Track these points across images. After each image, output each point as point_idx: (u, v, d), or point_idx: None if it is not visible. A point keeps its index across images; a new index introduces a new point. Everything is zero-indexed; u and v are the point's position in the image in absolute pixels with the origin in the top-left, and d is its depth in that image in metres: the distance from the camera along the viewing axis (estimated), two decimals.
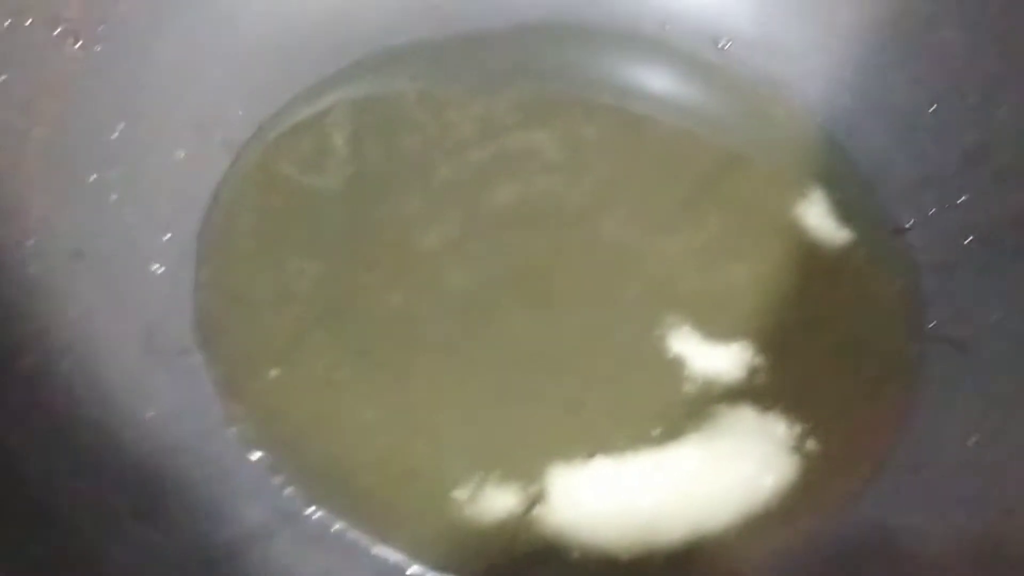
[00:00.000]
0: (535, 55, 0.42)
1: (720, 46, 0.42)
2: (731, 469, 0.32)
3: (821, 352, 0.35)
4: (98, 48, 0.35)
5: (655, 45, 0.43)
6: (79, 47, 0.34)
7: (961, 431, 0.33)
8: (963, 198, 0.38)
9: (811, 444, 0.33)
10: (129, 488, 0.27)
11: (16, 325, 0.28)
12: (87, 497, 0.26)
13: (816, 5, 0.42)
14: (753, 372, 0.34)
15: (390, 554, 0.30)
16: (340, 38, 0.41)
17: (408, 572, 0.30)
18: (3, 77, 0.32)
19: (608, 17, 0.43)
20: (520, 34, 0.42)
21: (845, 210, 0.39)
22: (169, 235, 0.35)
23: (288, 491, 0.30)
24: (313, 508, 0.30)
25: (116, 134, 0.35)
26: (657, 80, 0.42)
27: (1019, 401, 0.33)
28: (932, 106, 0.39)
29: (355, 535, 0.30)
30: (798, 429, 0.33)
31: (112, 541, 0.25)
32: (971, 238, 0.37)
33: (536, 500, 0.31)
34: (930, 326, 0.36)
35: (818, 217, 0.38)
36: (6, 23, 0.32)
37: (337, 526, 0.30)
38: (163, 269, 0.34)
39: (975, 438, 0.32)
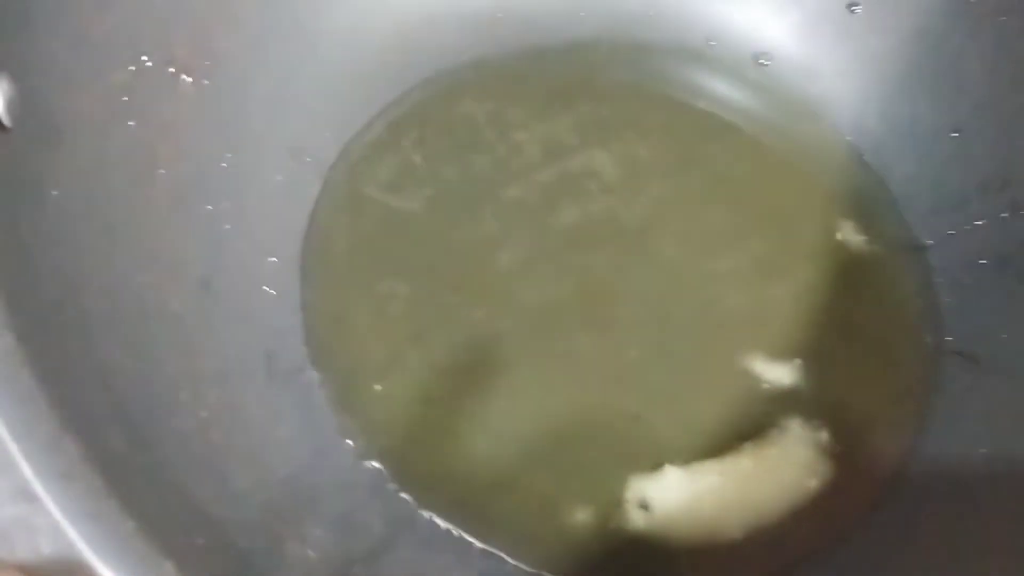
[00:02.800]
0: (590, 73, 0.45)
1: (760, 63, 0.46)
2: (781, 474, 0.37)
3: (853, 363, 0.40)
4: (206, 82, 0.37)
5: (701, 61, 0.46)
6: (190, 83, 0.37)
7: (972, 440, 0.38)
8: (980, 222, 0.42)
9: (844, 449, 0.38)
10: (280, 509, 0.31)
11: (169, 363, 0.32)
12: (255, 523, 0.30)
13: (849, 31, 0.45)
14: (797, 384, 0.39)
15: (496, 552, 0.34)
16: (409, 57, 0.44)
17: (511, 565, 0.34)
18: (131, 123, 0.34)
19: (656, 33, 0.46)
20: (575, 51, 0.46)
21: (873, 227, 0.43)
22: (275, 259, 0.38)
23: (403, 496, 0.35)
24: (425, 512, 0.35)
25: (225, 164, 0.37)
26: (701, 96, 0.46)
27: (1021, 414, 0.38)
28: (954, 133, 0.43)
29: (463, 535, 0.35)
30: (833, 436, 0.38)
31: (277, 565, 0.29)
32: (985, 260, 0.41)
33: (617, 504, 0.36)
34: (947, 340, 0.41)
35: (849, 233, 0.43)
36: (131, 68, 0.35)
37: (446, 528, 0.35)
38: (274, 292, 0.37)
39: (984, 449, 0.37)
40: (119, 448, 0.26)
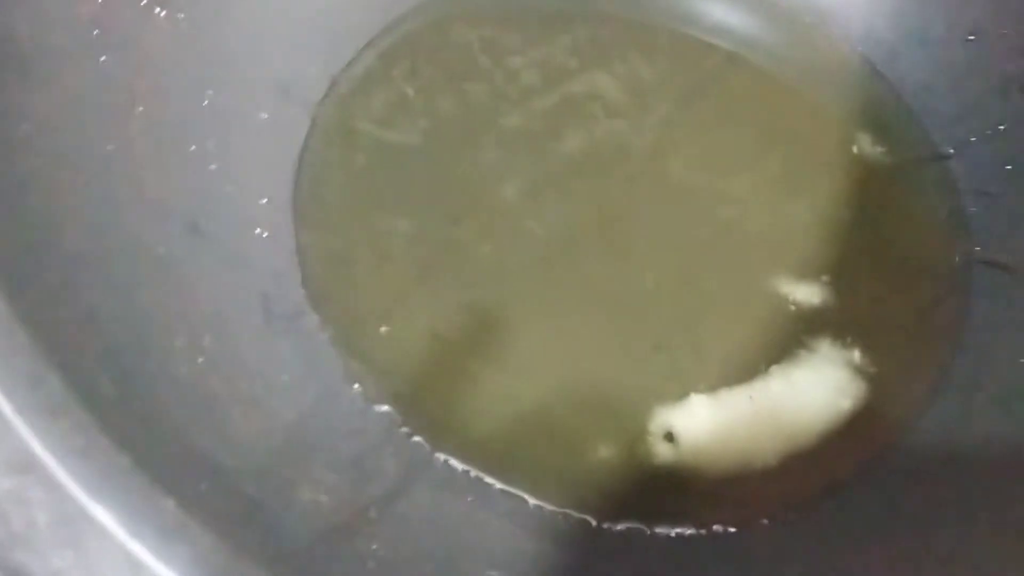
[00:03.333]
0: None
1: None
2: (813, 396, 0.35)
3: (880, 279, 0.38)
4: (180, 16, 0.35)
5: None
6: (164, 16, 0.34)
7: (1011, 350, 0.36)
8: (1001, 127, 0.40)
9: (877, 367, 0.36)
10: (287, 455, 0.29)
11: (160, 307, 0.30)
12: (263, 469, 0.28)
13: None
14: (825, 302, 0.37)
15: (516, 492, 0.32)
16: None
17: (532, 504, 0.32)
18: (103, 58, 0.32)
19: None
20: None
21: (890, 139, 0.41)
22: (265, 200, 0.36)
23: (416, 440, 0.33)
24: (440, 455, 0.33)
25: (206, 102, 0.35)
26: (705, 11, 0.44)
27: None
28: (969, 36, 0.41)
29: (481, 476, 0.33)
30: (866, 354, 0.36)
31: (289, 511, 0.27)
32: (1009, 166, 0.39)
33: (641, 437, 0.34)
34: (976, 250, 0.39)
35: (866, 146, 0.41)
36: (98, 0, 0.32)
37: (463, 469, 0.33)
38: (267, 234, 0.35)
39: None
40: (109, 392, 0.24)
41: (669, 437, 0.34)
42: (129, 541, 0.19)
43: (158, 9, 0.34)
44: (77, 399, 0.21)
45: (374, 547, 0.27)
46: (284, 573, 0.20)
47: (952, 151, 0.41)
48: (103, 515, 0.19)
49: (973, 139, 0.40)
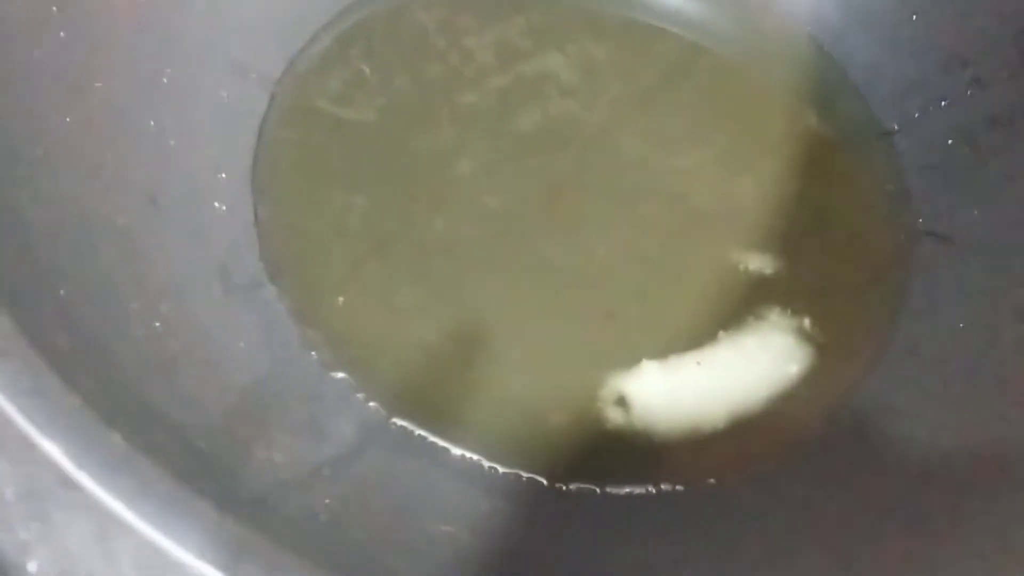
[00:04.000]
0: None
1: None
2: (759, 362, 0.36)
3: (827, 250, 0.39)
4: None
5: None
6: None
7: (951, 317, 0.37)
8: (944, 103, 0.41)
9: (824, 334, 0.37)
10: (243, 416, 0.30)
11: (118, 275, 0.30)
12: (217, 427, 0.28)
13: None
14: (773, 272, 0.38)
15: (469, 455, 0.33)
16: None
17: (487, 467, 0.33)
18: (62, 34, 0.33)
19: None
20: None
21: (837, 116, 0.42)
22: (223, 175, 0.37)
23: (372, 405, 0.34)
24: (395, 420, 0.34)
25: (165, 79, 0.36)
26: None
27: (997, 287, 0.37)
28: (913, 15, 0.42)
29: (436, 440, 0.33)
30: (813, 321, 0.37)
31: (243, 466, 0.28)
32: (951, 140, 0.41)
33: (592, 402, 0.35)
34: (919, 222, 0.40)
35: (813, 123, 0.42)
36: None
37: (420, 434, 0.34)
38: (225, 208, 0.36)
39: (962, 323, 0.37)
40: (64, 344, 0.24)
41: (620, 402, 0.35)
42: (75, 472, 0.19)
43: None
44: (29, 343, 0.21)
45: (327, 502, 0.28)
46: (229, 509, 0.21)
47: (897, 127, 0.42)
48: (51, 449, 0.20)
49: (917, 115, 0.42)
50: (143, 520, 0.20)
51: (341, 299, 0.35)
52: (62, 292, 0.27)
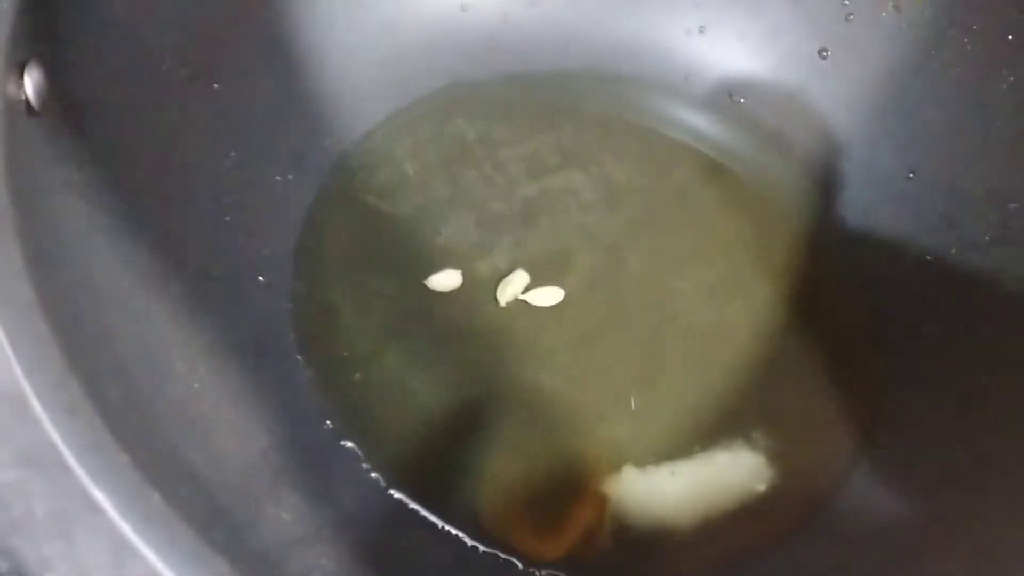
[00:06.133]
0: (574, 100, 0.49)
1: (734, 99, 0.49)
2: (730, 478, 0.40)
3: (803, 381, 0.43)
4: (216, 86, 0.41)
5: (678, 94, 0.49)
6: (202, 84, 0.40)
7: (916, 456, 0.41)
8: (928, 258, 0.45)
9: (794, 456, 0.41)
10: (259, 475, 0.34)
11: (168, 338, 0.35)
12: (235, 484, 0.33)
13: (818, 75, 0.48)
14: (751, 395, 0.42)
15: (455, 531, 0.37)
16: (408, 75, 0.47)
17: (470, 546, 0.37)
18: (150, 116, 0.37)
19: (637, 67, 0.50)
20: (561, 80, 0.49)
21: (831, 259, 0.46)
22: (269, 252, 0.41)
23: (373, 476, 0.38)
24: (392, 491, 0.38)
25: (229, 162, 0.41)
26: (677, 127, 0.49)
27: (961, 435, 0.41)
28: (910, 174, 0.46)
29: (426, 515, 0.37)
30: (783, 446, 0.41)
31: (253, 522, 0.32)
32: (930, 297, 0.44)
33: (576, 499, 0.38)
34: (894, 364, 0.44)
35: (807, 261, 0.46)
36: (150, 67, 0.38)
37: (412, 507, 0.37)
38: (266, 282, 0.40)
39: (923, 461, 0.40)
40: (116, 400, 0.28)
41: (598, 500, 0.39)
42: (119, 521, 0.24)
43: (198, 79, 0.40)
44: (91, 403, 0.26)
45: (322, 561, 0.32)
46: (239, 562, 0.25)
47: (882, 276, 0.46)
48: (101, 500, 0.24)
49: (901, 267, 0.45)
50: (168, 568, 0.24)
51: (359, 375, 0.40)
52: (119, 352, 0.31)
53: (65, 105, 0.32)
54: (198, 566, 0.24)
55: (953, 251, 0.44)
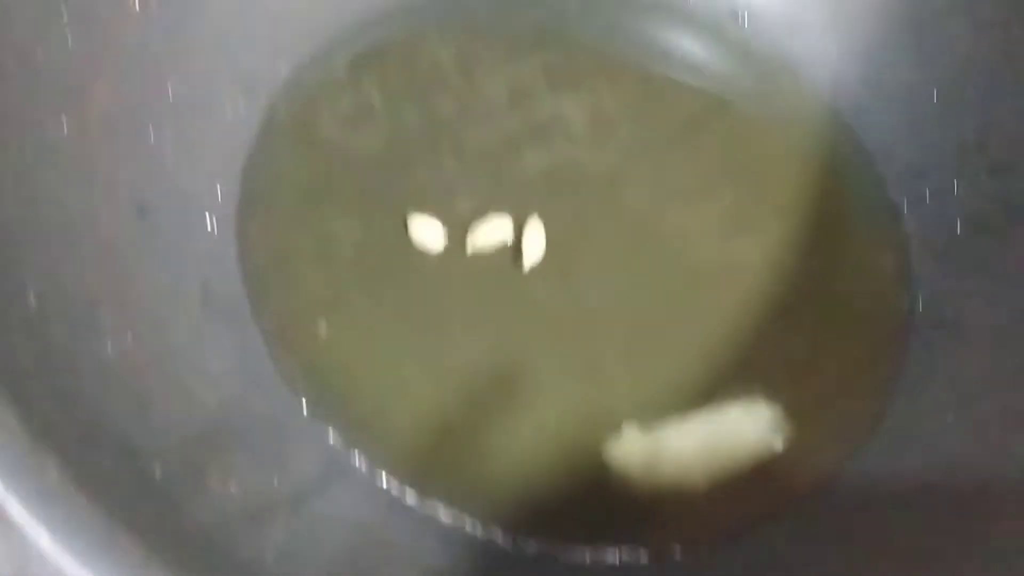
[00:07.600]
0: (563, 21, 0.44)
1: (739, 19, 0.44)
2: (743, 434, 0.35)
3: (821, 324, 0.39)
4: (153, 5, 0.35)
5: (678, 14, 0.44)
6: (138, 7, 0.35)
7: (941, 404, 0.36)
8: (957, 184, 0.40)
9: (810, 410, 0.36)
10: (203, 442, 0.29)
11: (96, 285, 0.30)
12: (173, 451, 0.28)
13: None
14: (763, 343, 0.37)
15: (432, 506, 0.33)
16: None
17: (445, 522, 0.32)
18: (67, 33, 0.32)
19: None
20: None
21: (847, 188, 0.42)
22: (216, 191, 0.36)
23: (337, 442, 0.33)
24: (360, 459, 0.33)
25: (169, 93, 0.36)
26: (677, 49, 0.44)
27: (993, 382, 0.36)
28: (935, 94, 0.41)
29: (398, 485, 0.33)
30: (801, 397, 0.36)
31: (192, 496, 0.27)
32: (961, 224, 0.40)
33: (570, 462, 0.34)
34: (919, 304, 0.39)
35: (822, 192, 0.41)
36: None
37: (382, 476, 0.33)
38: (213, 226, 0.35)
39: (951, 416, 0.36)
40: (27, 358, 0.24)
41: (598, 463, 0.34)
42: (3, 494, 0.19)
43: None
44: None
45: (277, 539, 0.27)
46: (169, 543, 0.20)
47: (906, 204, 0.41)
48: None
49: (927, 195, 0.41)
50: (65, 553, 0.19)
51: (321, 329, 0.35)
52: (32, 298, 0.26)
53: None
54: (108, 556, 0.19)
55: (983, 177, 0.39)
